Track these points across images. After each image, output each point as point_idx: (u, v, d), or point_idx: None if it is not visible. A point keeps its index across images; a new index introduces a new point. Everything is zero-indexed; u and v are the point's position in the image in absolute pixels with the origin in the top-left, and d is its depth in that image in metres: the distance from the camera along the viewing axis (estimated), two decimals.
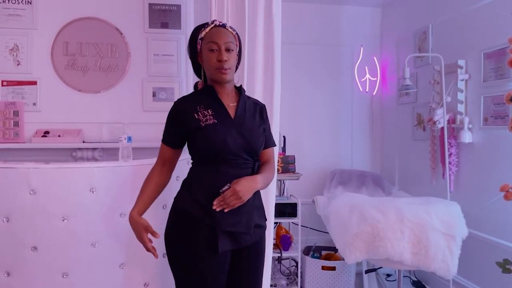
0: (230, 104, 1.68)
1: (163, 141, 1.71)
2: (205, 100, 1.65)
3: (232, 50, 1.63)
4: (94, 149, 3.42)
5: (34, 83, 3.47)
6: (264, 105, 1.82)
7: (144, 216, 1.73)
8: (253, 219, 1.66)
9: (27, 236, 1.87)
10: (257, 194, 1.73)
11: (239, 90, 1.75)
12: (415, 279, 3.37)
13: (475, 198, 2.84)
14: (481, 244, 2.75)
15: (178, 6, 3.67)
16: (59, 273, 1.91)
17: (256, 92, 2.37)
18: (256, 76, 2.38)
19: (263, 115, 1.77)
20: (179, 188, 1.72)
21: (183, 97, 1.72)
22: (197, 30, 1.68)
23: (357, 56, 4.10)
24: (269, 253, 2.40)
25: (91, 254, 1.95)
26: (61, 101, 3.49)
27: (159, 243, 1.71)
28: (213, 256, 1.58)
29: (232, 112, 1.66)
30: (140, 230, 1.65)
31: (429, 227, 2.31)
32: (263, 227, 1.75)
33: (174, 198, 1.70)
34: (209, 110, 1.62)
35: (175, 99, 1.72)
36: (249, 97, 1.79)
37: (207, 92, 1.67)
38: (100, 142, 3.44)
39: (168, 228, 1.68)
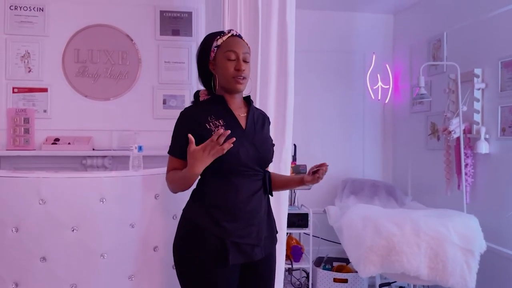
0: (240, 114, 1.65)
1: (172, 153, 1.63)
2: (215, 110, 1.61)
3: (248, 62, 1.62)
4: (104, 156, 3.40)
5: (45, 90, 3.47)
6: (268, 117, 1.81)
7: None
8: (263, 231, 1.63)
9: (36, 247, 1.84)
10: (268, 205, 1.70)
11: (248, 100, 1.72)
12: None
13: (492, 210, 2.76)
14: (500, 258, 2.67)
15: (190, 14, 3.66)
16: (68, 284, 1.87)
17: (269, 100, 2.34)
18: (270, 84, 2.35)
19: (268, 127, 1.77)
20: (188, 198, 1.68)
21: (191, 106, 1.67)
22: (211, 37, 1.65)
23: (369, 63, 4.06)
24: (281, 266, 2.35)
25: (101, 265, 1.91)
26: (71, 108, 3.49)
27: (168, 255, 1.67)
28: (223, 269, 1.54)
29: (242, 123, 1.63)
30: (194, 151, 1.46)
31: (446, 241, 2.25)
32: (274, 240, 1.71)
33: (183, 209, 1.67)
34: (220, 121, 1.59)
35: (186, 107, 1.68)
36: (256, 108, 1.78)
37: (216, 102, 1.64)
38: (110, 150, 3.43)
39: (177, 239, 1.64)
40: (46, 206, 1.83)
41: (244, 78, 1.59)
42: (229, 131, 1.41)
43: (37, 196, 1.82)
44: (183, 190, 1.63)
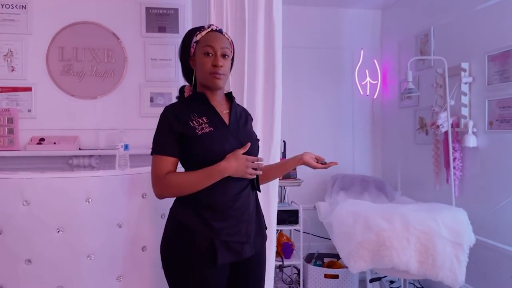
0: (223, 111, 1.63)
1: (161, 152, 1.54)
2: (198, 108, 1.58)
3: (228, 56, 1.59)
4: (91, 156, 3.35)
5: (29, 89, 3.40)
6: (250, 114, 1.79)
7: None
8: (252, 228, 1.61)
9: (21, 249, 1.80)
10: (257, 202, 1.69)
11: (230, 97, 1.70)
12: (419, 286, 3.31)
13: (480, 203, 2.78)
14: (488, 251, 2.69)
15: (176, 10, 3.62)
16: (54, 286, 1.84)
17: (257, 97, 2.32)
18: (257, 80, 2.33)
19: (251, 123, 1.75)
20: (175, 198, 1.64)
21: (172, 104, 1.62)
22: (192, 33, 1.62)
23: (358, 59, 4.06)
24: (272, 263, 2.34)
25: (88, 267, 1.88)
26: (56, 107, 3.43)
27: (156, 254, 1.64)
28: (212, 269, 1.52)
29: (226, 120, 1.61)
30: (239, 152, 1.54)
31: (436, 235, 2.26)
32: (263, 237, 1.70)
33: (170, 209, 1.63)
34: (203, 118, 1.56)
35: (167, 105, 1.64)
36: (238, 104, 1.76)
37: (198, 100, 1.61)
38: (97, 149, 3.38)
39: (164, 239, 1.61)
40: (31, 207, 1.79)
41: (222, 74, 1.56)
42: (262, 158, 1.57)
43: (21, 197, 1.78)
44: (191, 192, 1.52)
